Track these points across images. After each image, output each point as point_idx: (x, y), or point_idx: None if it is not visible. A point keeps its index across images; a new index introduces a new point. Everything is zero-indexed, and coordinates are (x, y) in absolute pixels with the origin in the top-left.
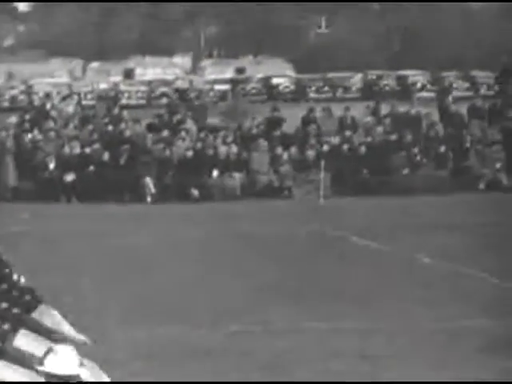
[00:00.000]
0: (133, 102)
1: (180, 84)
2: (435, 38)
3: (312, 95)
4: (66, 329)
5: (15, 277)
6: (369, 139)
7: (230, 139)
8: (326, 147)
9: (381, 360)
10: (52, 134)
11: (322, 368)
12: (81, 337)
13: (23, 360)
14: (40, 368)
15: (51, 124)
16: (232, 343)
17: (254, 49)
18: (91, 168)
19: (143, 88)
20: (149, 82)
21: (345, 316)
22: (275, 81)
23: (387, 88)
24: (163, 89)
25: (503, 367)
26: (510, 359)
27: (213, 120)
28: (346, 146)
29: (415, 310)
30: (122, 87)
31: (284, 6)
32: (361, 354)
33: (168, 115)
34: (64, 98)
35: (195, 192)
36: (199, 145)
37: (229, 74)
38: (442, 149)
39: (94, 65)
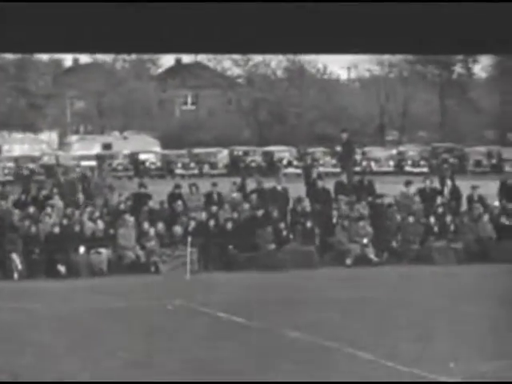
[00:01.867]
0: None
1: (46, 160)
2: (302, 113)
3: (178, 171)
4: None
5: None
6: (235, 215)
7: (96, 215)
8: (192, 223)
9: None
10: None
11: None
12: None
13: None
14: None
15: None
16: None
17: (121, 124)
18: None
19: (10, 164)
20: (16, 159)
21: None
22: (142, 157)
23: (253, 164)
24: (30, 165)
25: None
26: None
27: (78, 196)
28: (212, 222)
29: None
30: None
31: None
32: None
33: (35, 191)
34: None
35: (62, 268)
36: (65, 221)
37: (95, 149)
38: (309, 224)
39: None
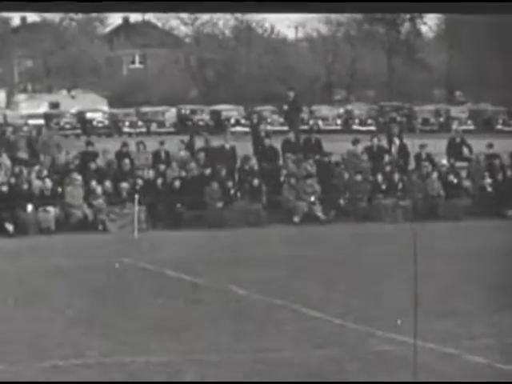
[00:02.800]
0: None
1: None
2: (250, 72)
3: (126, 130)
4: None
5: None
6: (183, 173)
7: (44, 173)
8: (140, 181)
9: None
10: None
11: None
12: None
13: None
14: None
15: None
16: (46, 378)
17: (69, 83)
18: None
19: None
20: None
21: (158, 349)
22: (89, 115)
23: (201, 122)
24: None
25: None
26: None
27: (26, 155)
28: (160, 181)
29: (230, 342)
30: None
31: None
32: None
33: None
34: None
35: (10, 227)
36: (13, 179)
37: (43, 108)
38: (256, 182)
39: None
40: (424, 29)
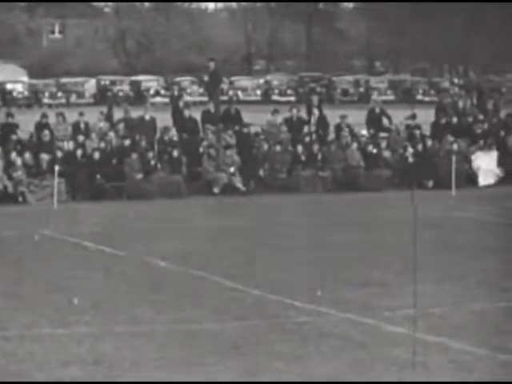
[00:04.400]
0: None
1: None
2: (169, 43)
3: (46, 101)
4: None
5: None
6: (102, 144)
7: None
8: (59, 153)
9: (116, 364)
10: None
11: (60, 374)
12: None
13: None
14: None
15: None
16: None
17: None
18: None
19: None
20: None
21: (80, 321)
22: (9, 86)
23: (121, 93)
24: None
25: (237, 368)
26: (245, 361)
27: None
28: (79, 152)
29: (149, 313)
30: None
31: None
32: (96, 359)
33: None
34: None
35: None
36: None
37: None
38: (176, 153)
39: None
40: None
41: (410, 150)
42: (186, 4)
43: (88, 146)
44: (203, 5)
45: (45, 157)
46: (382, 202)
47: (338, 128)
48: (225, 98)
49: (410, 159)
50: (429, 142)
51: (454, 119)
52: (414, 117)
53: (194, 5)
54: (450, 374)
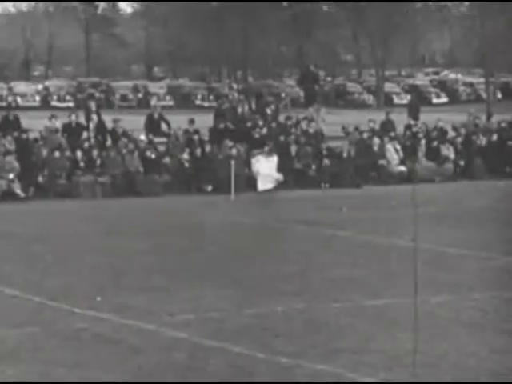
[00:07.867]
0: None
1: None
2: None
3: None
4: None
5: None
6: None
7: None
8: None
9: None
10: None
11: None
12: None
13: None
14: None
15: None
16: None
17: None
18: None
19: None
20: None
21: None
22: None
23: None
24: None
25: (18, 375)
26: (25, 368)
27: None
28: None
29: None
30: None
31: None
32: None
33: None
34: None
35: None
36: None
37: None
38: None
39: None
40: (122, 5)
41: (186, 156)
42: None
43: None
44: None
45: None
46: (161, 207)
47: (113, 132)
48: (3, 103)
49: (187, 164)
50: (207, 147)
51: (232, 124)
52: (192, 121)
53: None
54: (230, 377)
